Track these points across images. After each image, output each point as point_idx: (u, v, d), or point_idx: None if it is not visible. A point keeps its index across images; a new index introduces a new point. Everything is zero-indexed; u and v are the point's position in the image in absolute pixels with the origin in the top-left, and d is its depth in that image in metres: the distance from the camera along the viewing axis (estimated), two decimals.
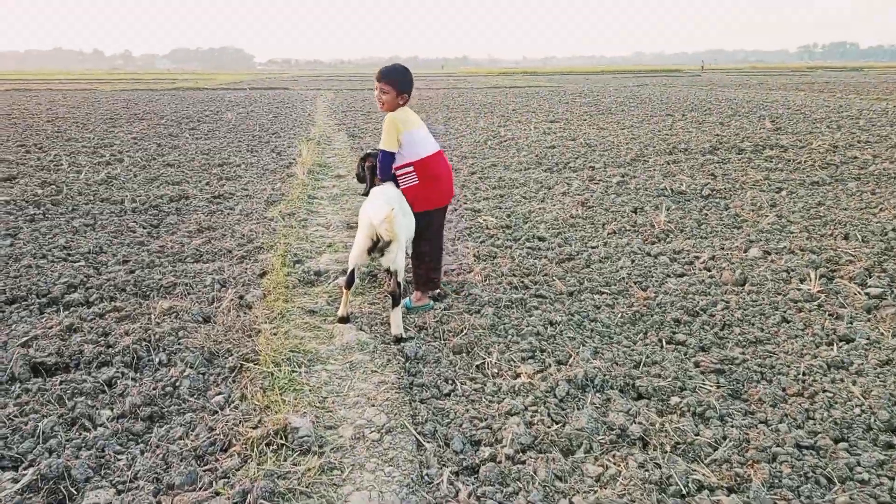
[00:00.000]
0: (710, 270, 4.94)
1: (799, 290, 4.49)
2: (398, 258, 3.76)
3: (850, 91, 28.47)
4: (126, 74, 73.15)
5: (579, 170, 9.59)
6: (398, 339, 3.73)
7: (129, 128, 15.06)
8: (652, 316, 4.10)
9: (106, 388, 3.23)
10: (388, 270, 3.84)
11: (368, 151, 4.49)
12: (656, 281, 4.75)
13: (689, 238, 5.91)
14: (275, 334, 3.75)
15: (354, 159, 10.66)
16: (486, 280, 4.77)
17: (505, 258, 5.31)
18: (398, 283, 3.79)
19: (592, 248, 5.67)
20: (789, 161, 9.99)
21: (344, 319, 4.00)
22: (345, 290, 4.00)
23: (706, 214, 6.79)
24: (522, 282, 4.72)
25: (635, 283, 4.73)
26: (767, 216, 6.60)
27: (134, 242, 5.83)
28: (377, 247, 3.73)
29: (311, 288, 4.66)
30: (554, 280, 4.77)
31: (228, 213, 6.92)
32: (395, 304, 3.77)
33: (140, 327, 3.84)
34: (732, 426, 2.86)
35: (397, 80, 4.10)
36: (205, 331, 3.86)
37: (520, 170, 9.61)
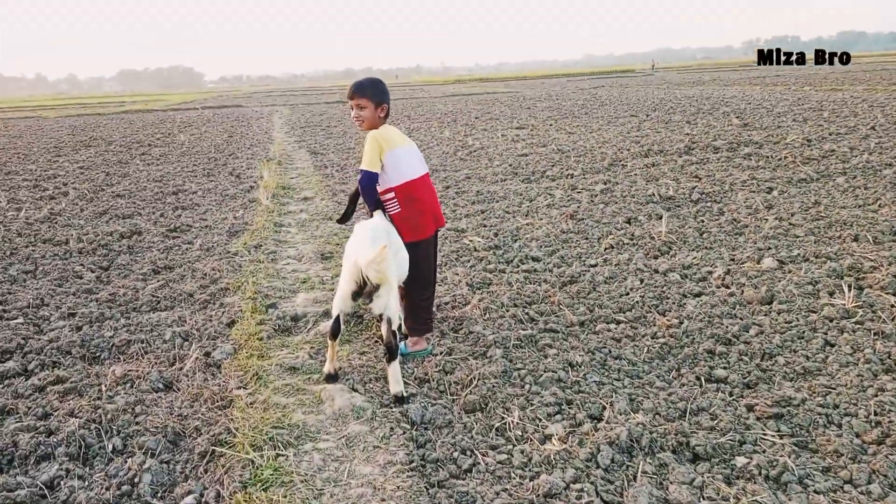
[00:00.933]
0: (728, 287, 4.50)
1: (832, 305, 4.08)
2: (391, 303, 3.21)
3: (802, 83, 28.86)
4: (71, 99, 70.79)
5: (558, 178, 9.17)
6: (399, 399, 3.18)
7: (75, 156, 14.16)
8: (681, 348, 3.63)
9: (46, 492, 2.60)
10: (380, 318, 3.28)
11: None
12: (673, 303, 4.29)
13: (693, 249, 5.48)
14: (251, 404, 3.15)
15: (319, 179, 10.06)
16: (486, 314, 4.24)
17: (501, 285, 4.80)
18: (394, 333, 3.21)
19: (593, 266, 5.20)
20: (768, 158, 9.73)
21: (332, 377, 3.40)
22: (330, 342, 3.40)
23: (703, 221, 6.39)
24: (527, 313, 4.21)
25: (651, 307, 4.26)
26: (767, 220, 6.23)
27: (81, 291, 5.15)
28: (364, 291, 3.17)
29: (288, 337, 4.05)
30: (562, 309, 4.27)
31: (187, 249, 6.27)
32: (392, 357, 3.21)
33: (88, 404, 3.21)
34: (817, 491, 2.38)
35: (372, 92, 3.65)
36: (167, 402, 3.25)
37: (496, 181, 9.13)
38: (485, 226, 6.60)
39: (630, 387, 3.25)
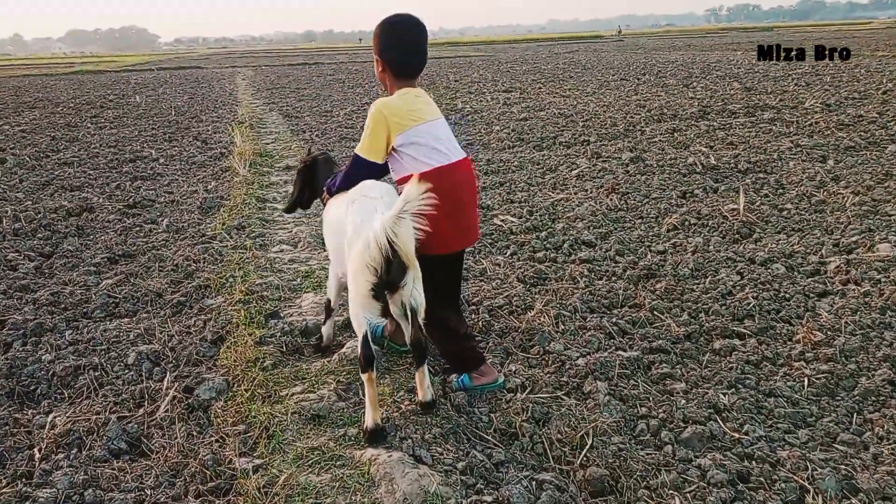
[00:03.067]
0: (858, 285, 3.54)
1: None
2: (418, 289, 2.31)
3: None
4: (17, 60, 66.69)
5: (573, 145, 8.12)
6: (427, 405, 2.46)
7: (17, 119, 12.55)
8: (852, 378, 2.66)
9: None
10: (404, 313, 2.35)
11: (315, 154, 3.16)
12: (800, 307, 3.31)
13: (779, 232, 4.52)
14: (264, 488, 2.05)
15: (300, 144, 8.83)
16: (558, 322, 3.21)
17: (563, 280, 3.77)
18: (421, 328, 2.37)
19: (662, 253, 4.20)
20: (796, 124, 8.84)
21: (377, 434, 2.29)
22: (365, 376, 2.31)
23: (768, 196, 5.43)
24: (615, 323, 3.19)
25: (773, 312, 3.28)
26: (843, 194, 5.31)
27: (14, 288, 3.96)
28: (389, 278, 2.21)
29: (302, 364, 2.95)
30: (657, 317, 3.26)
31: (151, 231, 5.07)
32: (422, 360, 2.42)
33: (10, 489, 2.09)
34: None
35: (376, 43, 2.62)
36: (134, 481, 2.15)
37: (504, 149, 8.05)
38: (512, 202, 5.54)
39: (814, 446, 2.26)
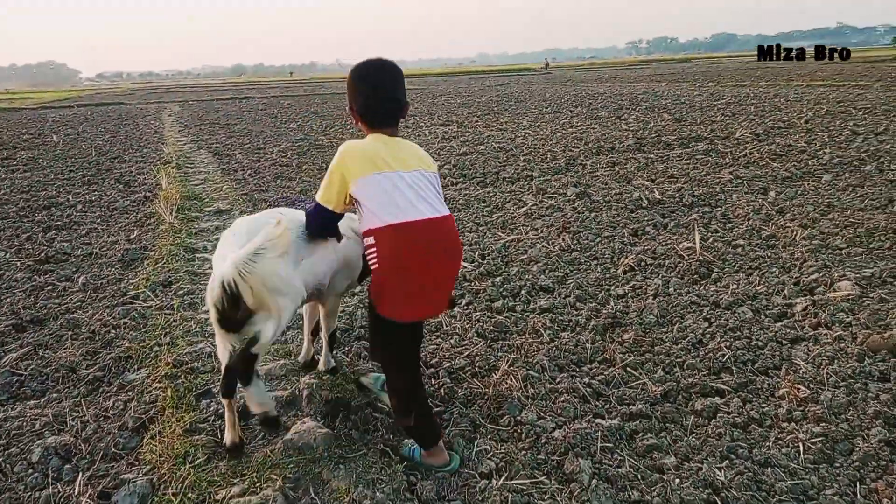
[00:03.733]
0: (829, 328, 3.42)
1: None
2: (267, 330, 2.20)
3: (701, 78, 29.45)
4: None
5: (517, 180, 7.99)
6: (268, 422, 2.50)
7: None
8: (847, 440, 2.47)
9: None
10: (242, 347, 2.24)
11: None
12: (776, 356, 3.15)
13: (737, 270, 4.41)
14: None
15: (232, 185, 8.37)
16: (526, 385, 2.94)
17: (526, 334, 3.51)
18: (250, 356, 2.27)
19: (625, 297, 4.02)
20: (730, 154, 9.01)
21: (237, 449, 2.48)
22: (225, 403, 2.43)
23: (718, 231, 5.37)
24: (588, 385, 2.93)
25: (749, 363, 3.10)
26: (791, 227, 5.30)
27: None
28: (228, 317, 2.15)
29: (240, 460, 2.55)
30: (630, 374, 3.03)
31: (65, 290, 4.55)
32: (245, 382, 2.35)
33: None
34: None
35: (348, 93, 2.43)
36: None
37: (447, 185, 7.83)
38: (463, 244, 5.28)
39: None
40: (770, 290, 3.98)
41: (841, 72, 28.36)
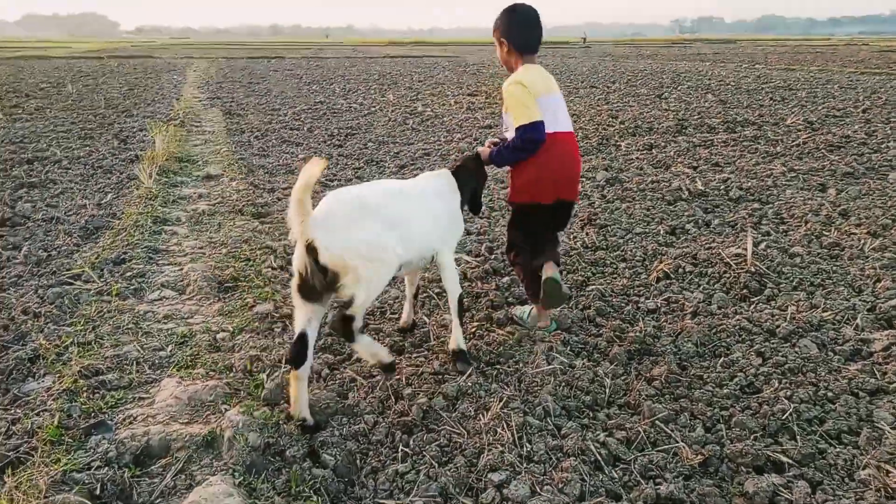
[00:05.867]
0: None
1: None
2: (360, 294, 2.20)
3: (747, 60, 27.97)
4: None
5: None
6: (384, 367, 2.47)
7: None
8: None
9: None
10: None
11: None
12: (850, 412, 2.41)
13: (796, 287, 3.63)
14: None
15: (232, 147, 7.72)
16: (522, 440, 2.24)
17: (530, 362, 2.80)
18: (345, 318, 2.21)
19: (656, 313, 3.29)
20: (781, 143, 8.09)
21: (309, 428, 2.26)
22: (292, 373, 2.29)
23: (771, 234, 4.57)
24: (602, 443, 2.23)
25: (814, 423, 2.37)
26: (857, 234, 4.49)
27: None
28: (315, 282, 2.17)
29: None
30: (658, 430, 2.32)
31: (8, 261, 3.95)
32: (349, 339, 2.28)
33: None
34: None
35: (496, 22, 3.03)
36: None
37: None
38: (469, 232, 4.57)
39: None
40: (839, 318, 3.21)
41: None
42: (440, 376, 2.65)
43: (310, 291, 2.18)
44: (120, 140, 8.19)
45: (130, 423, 2.26)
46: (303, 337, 2.21)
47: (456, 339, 2.75)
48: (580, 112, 10.96)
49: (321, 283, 2.16)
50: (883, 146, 7.76)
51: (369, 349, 2.35)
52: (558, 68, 23.20)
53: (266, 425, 2.18)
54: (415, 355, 2.87)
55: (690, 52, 38.85)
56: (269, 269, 3.77)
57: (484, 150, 3.07)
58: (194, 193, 5.54)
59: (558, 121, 2.90)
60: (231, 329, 3.01)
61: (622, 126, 9.25)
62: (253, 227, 4.57)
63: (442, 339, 3.00)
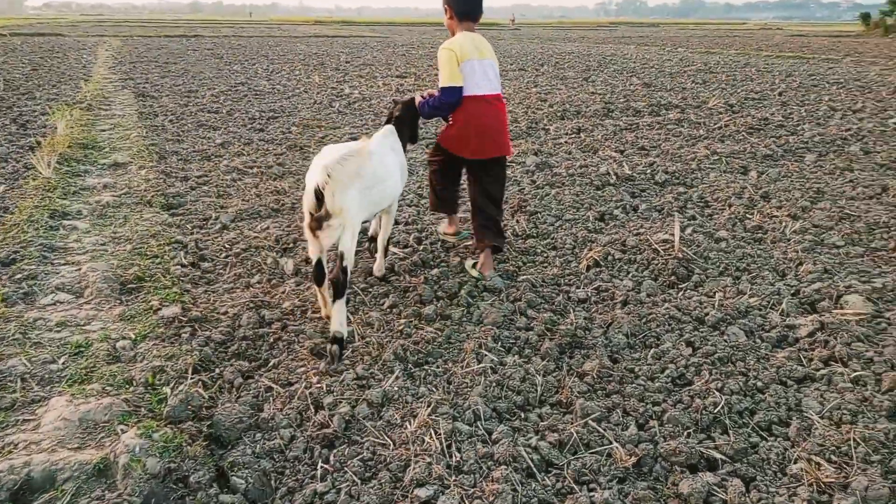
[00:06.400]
0: (843, 363, 2.67)
1: None
2: (345, 238, 2.75)
3: (670, 44, 28.69)
4: None
5: None
6: (337, 340, 2.69)
7: None
8: None
9: None
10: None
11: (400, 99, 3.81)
12: (779, 402, 2.39)
13: (722, 273, 3.64)
14: None
15: (143, 132, 7.25)
16: (451, 447, 2.11)
17: (459, 360, 2.67)
18: (343, 270, 2.73)
19: (586, 303, 3.23)
20: (703, 125, 8.26)
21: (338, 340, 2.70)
22: (316, 289, 3.01)
23: (696, 218, 4.61)
24: (534, 448, 2.13)
25: (745, 414, 2.34)
26: (778, 217, 4.58)
27: None
28: (315, 216, 2.71)
29: None
30: (591, 430, 2.23)
31: None
32: (338, 295, 2.72)
33: None
34: None
35: None
36: None
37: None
38: (397, 222, 4.40)
39: None
40: (765, 303, 3.23)
41: (808, 45, 27.93)
42: (364, 381, 2.49)
43: (317, 228, 2.70)
44: (18, 125, 7.56)
45: (10, 452, 2.00)
46: (318, 263, 2.83)
47: (379, 267, 3.47)
48: (509, 95, 10.90)
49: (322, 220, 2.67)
50: (799, 129, 8.02)
51: (341, 314, 2.69)
52: None
53: (167, 448, 1.97)
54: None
55: (616, 36, 39.55)
56: (178, 267, 3.49)
57: (417, 99, 3.50)
58: (99, 183, 5.13)
59: (483, 84, 3.30)
60: (133, 336, 2.75)
61: (551, 109, 9.23)
62: (162, 220, 4.26)
63: (367, 338, 2.84)
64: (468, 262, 3.59)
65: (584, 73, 14.88)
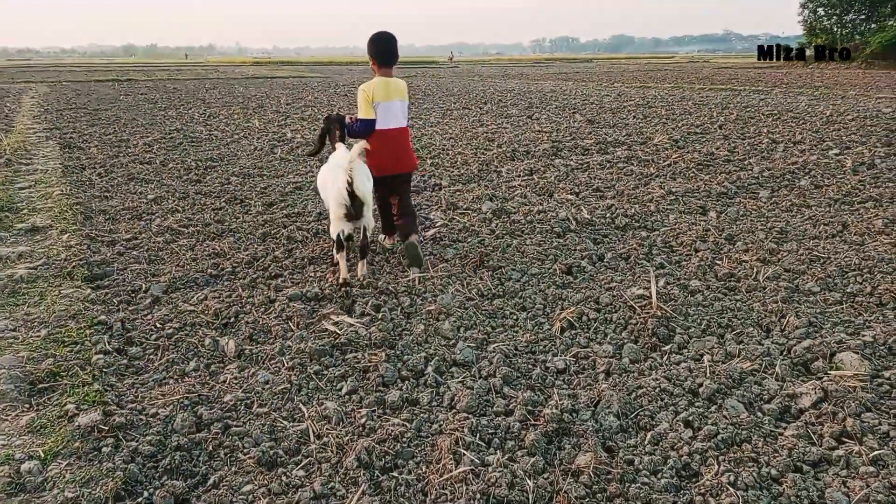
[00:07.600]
0: (858, 441, 2.42)
1: None
2: (368, 214, 3.95)
3: (606, 78, 29.44)
4: None
5: (422, 190, 6.82)
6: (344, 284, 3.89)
7: None
8: None
9: None
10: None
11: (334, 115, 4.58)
12: (800, 498, 2.11)
13: (705, 331, 3.41)
14: None
15: (67, 189, 6.69)
16: None
17: (433, 462, 2.31)
18: (366, 237, 4.04)
19: (565, 374, 2.92)
20: (652, 162, 8.22)
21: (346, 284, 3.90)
22: (339, 256, 3.96)
23: (666, 266, 4.40)
24: None
25: None
26: (748, 262, 4.42)
27: None
28: (354, 206, 3.79)
29: None
30: None
31: None
32: (364, 255, 4.11)
33: None
34: None
35: (368, 45, 4.46)
36: None
37: None
38: (353, 285, 4.02)
39: None
40: (757, 367, 2.98)
41: (736, 76, 29.07)
42: (324, 501, 2.10)
43: (350, 217, 3.81)
44: None
45: None
46: (342, 237, 3.88)
47: (363, 271, 4.21)
48: (457, 135, 10.72)
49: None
50: (746, 163, 8.05)
51: (364, 267, 4.10)
52: (429, 88, 23.14)
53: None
54: (295, 471, 2.29)
55: (553, 72, 40.44)
56: (101, 356, 3.03)
57: (347, 119, 4.45)
58: (13, 253, 4.58)
59: (390, 120, 4.37)
60: (42, 454, 2.29)
61: (500, 150, 9.07)
62: (84, 295, 3.77)
63: (324, 438, 2.45)
64: (386, 240, 4.87)
65: (527, 110, 14.92)
